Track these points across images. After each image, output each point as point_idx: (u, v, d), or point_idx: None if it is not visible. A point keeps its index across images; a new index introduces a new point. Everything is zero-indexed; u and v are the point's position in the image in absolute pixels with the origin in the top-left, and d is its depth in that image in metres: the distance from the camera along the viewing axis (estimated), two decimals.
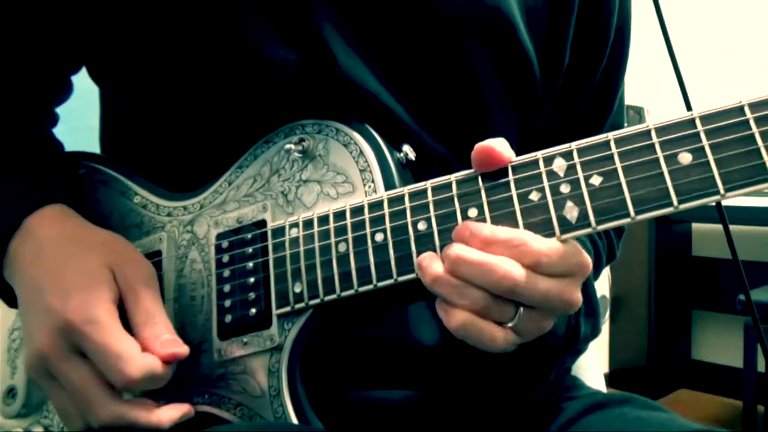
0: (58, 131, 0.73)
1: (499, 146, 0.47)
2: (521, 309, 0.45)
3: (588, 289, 0.60)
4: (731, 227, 0.68)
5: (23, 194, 0.58)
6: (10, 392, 0.63)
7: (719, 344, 2.94)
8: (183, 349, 0.51)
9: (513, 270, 0.44)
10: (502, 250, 0.45)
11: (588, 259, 0.47)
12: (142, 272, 0.53)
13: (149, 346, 0.50)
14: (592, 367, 0.85)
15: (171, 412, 0.51)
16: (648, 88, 2.70)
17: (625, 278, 2.79)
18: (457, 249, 0.45)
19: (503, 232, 0.45)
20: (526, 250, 0.44)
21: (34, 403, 0.63)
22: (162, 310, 0.53)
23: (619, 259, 0.77)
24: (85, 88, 0.70)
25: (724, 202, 0.63)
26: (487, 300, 0.45)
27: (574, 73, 0.65)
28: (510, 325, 0.46)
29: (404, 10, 0.57)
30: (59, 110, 0.75)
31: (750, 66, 2.78)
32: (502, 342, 0.46)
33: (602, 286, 2.60)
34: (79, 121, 0.82)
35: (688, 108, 0.62)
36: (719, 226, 0.68)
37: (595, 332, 0.62)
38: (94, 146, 0.70)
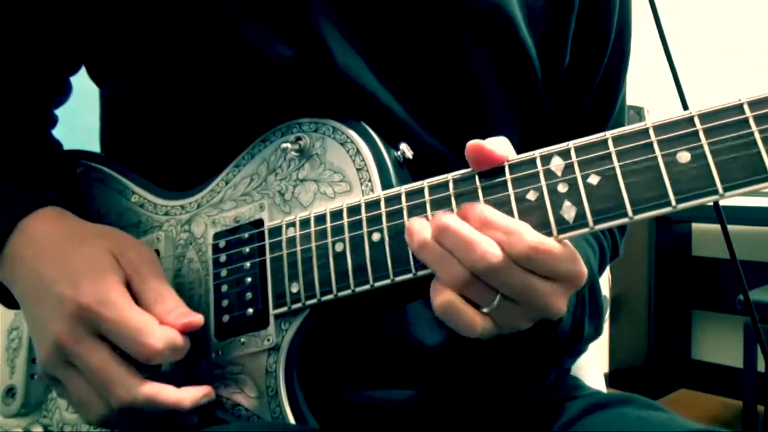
0: (59, 131, 0.73)
1: (492, 144, 0.47)
2: (499, 296, 0.45)
3: (594, 290, 0.60)
4: (731, 227, 0.68)
5: (20, 196, 0.58)
6: (10, 392, 0.63)
7: (719, 344, 2.94)
8: (198, 318, 0.52)
9: (492, 251, 0.44)
10: (498, 235, 0.44)
11: (584, 271, 0.46)
12: (145, 255, 0.54)
13: (164, 320, 0.51)
14: (592, 367, 0.85)
15: (192, 392, 0.52)
16: (648, 88, 2.69)
17: (625, 278, 2.79)
18: (445, 218, 0.45)
19: (503, 218, 0.45)
20: (518, 239, 0.44)
21: (33, 402, 0.63)
22: (170, 288, 0.53)
23: (619, 258, 0.77)
24: (85, 88, 0.70)
25: (723, 202, 0.63)
26: (468, 277, 0.44)
27: (574, 72, 0.65)
28: (486, 310, 0.45)
29: (403, 7, 0.57)
30: (59, 110, 0.74)
31: (750, 66, 2.78)
32: (480, 329, 0.45)
33: (602, 286, 2.59)
34: (79, 120, 0.82)
35: (686, 108, 0.62)
36: (719, 226, 0.68)
37: (597, 333, 0.62)
38: (94, 146, 0.70)
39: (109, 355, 0.50)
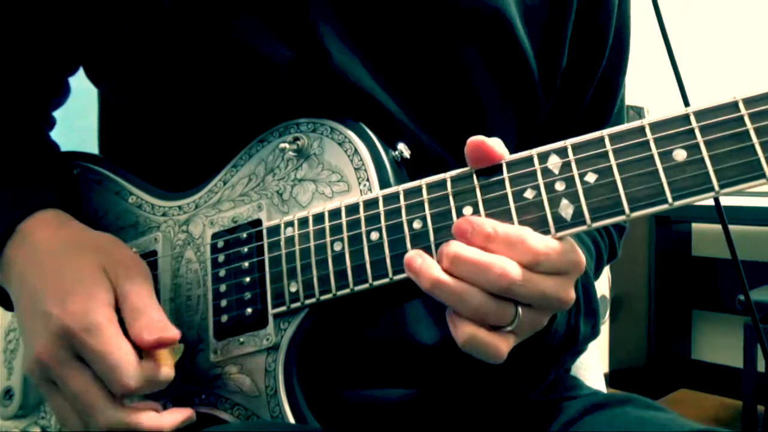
0: (58, 131, 0.73)
1: (492, 141, 0.47)
2: (520, 310, 0.45)
3: (588, 290, 0.60)
4: (731, 227, 0.68)
5: (17, 200, 0.57)
6: (7, 393, 0.63)
7: (719, 344, 2.94)
8: (171, 333, 0.51)
9: (510, 269, 0.44)
10: (501, 247, 0.45)
11: (582, 258, 0.47)
12: (133, 271, 0.53)
13: (140, 338, 0.50)
14: (592, 367, 0.84)
15: (172, 417, 0.51)
16: (648, 88, 2.70)
17: (625, 278, 2.79)
18: (454, 247, 0.45)
19: (502, 228, 0.45)
20: (524, 248, 0.44)
21: (31, 404, 0.62)
22: (151, 302, 0.52)
23: (619, 258, 0.77)
24: (84, 88, 0.70)
25: (724, 202, 0.63)
26: (487, 304, 0.44)
27: (572, 74, 0.65)
28: (509, 328, 0.45)
29: (400, 9, 0.57)
30: (59, 111, 0.74)
31: (750, 65, 2.78)
32: (507, 352, 0.45)
33: (602, 286, 2.60)
34: (79, 121, 0.82)
35: (687, 105, 0.62)
36: (719, 226, 0.68)
37: (594, 333, 0.62)
38: (93, 146, 0.70)
39: (90, 380, 0.50)
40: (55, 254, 0.54)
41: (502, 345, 0.45)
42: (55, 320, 0.50)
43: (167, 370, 0.51)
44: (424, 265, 0.46)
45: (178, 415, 0.52)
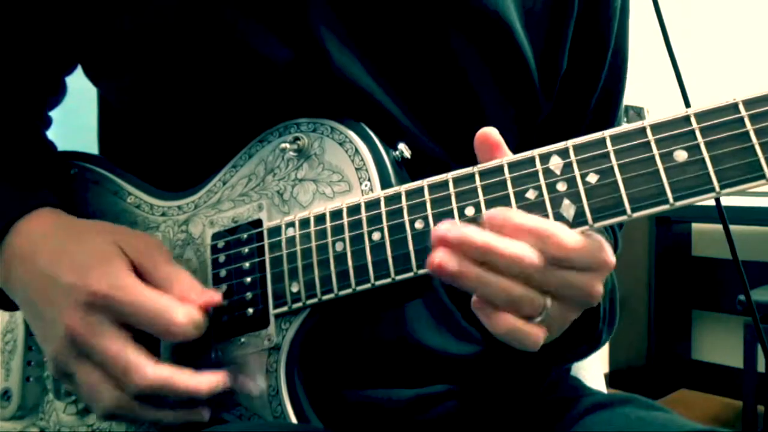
0: (58, 131, 0.73)
1: (500, 139, 0.47)
2: (548, 301, 0.44)
3: (613, 300, 0.60)
4: (731, 227, 0.68)
5: (14, 199, 0.57)
6: (5, 395, 0.63)
7: (719, 344, 2.94)
8: (216, 296, 0.53)
9: (526, 253, 0.43)
10: (532, 240, 0.43)
11: (612, 257, 0.46)
12: (150, 241, 0.54)
13: (185, 299, 0.51)
14: (592, 367, 0.85)
15: (209, 378, 0.51)
16: (648, 88, 2.70)
17: (625, 278, 2.78)
18: (455, 231, 0.43)
19: (532, 220, 0.44)
20: (556, 242, 0.43)
21: (30, 405, 0.62)
22: (182, 269, 0.53)
23: (618, 257, 0.77)
24: (83, 88, 0.69)
25: (724, 202, 0.63)
26: (514, 289, 0.43)
27: (573, 78, 0.65)
28: (539, 319, 0.44)
29: (400, 10, 0.57)
30: (59, 110, 0.74)
31: (750, 65, 2.78)
32: (543, 340, 0.45)
33: None
34: (78, 121, 0.82)
35: (688, 106, 0.62)
36: (719, 226, 0.68)
37: (607, 339, 0.62)
38: (93, 146, 0.70)
39: (125, 341, 0.49)
40: (59, 240, 0.54)
41: (540, 332, 0.44)
42: (79, 290, 0.50)
43: (205, 316, 0.51)
44: (446, 257, 0.44)
45: (214, 377, 0.51)
